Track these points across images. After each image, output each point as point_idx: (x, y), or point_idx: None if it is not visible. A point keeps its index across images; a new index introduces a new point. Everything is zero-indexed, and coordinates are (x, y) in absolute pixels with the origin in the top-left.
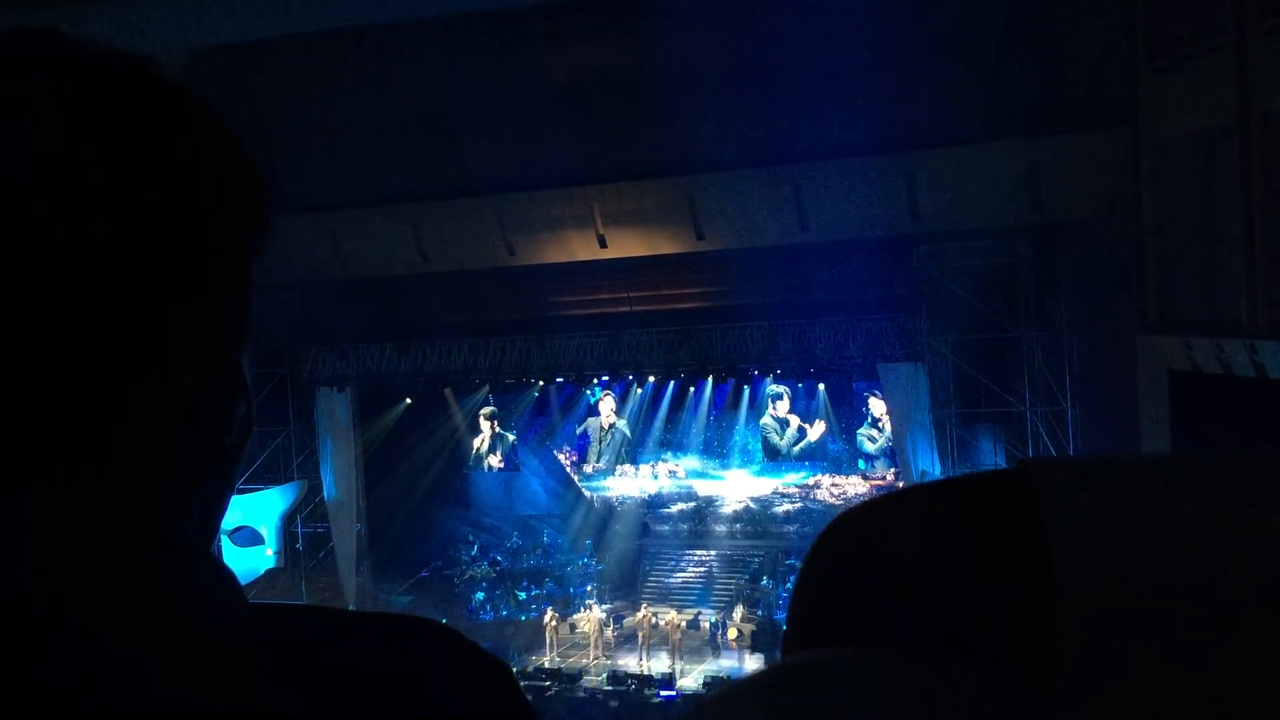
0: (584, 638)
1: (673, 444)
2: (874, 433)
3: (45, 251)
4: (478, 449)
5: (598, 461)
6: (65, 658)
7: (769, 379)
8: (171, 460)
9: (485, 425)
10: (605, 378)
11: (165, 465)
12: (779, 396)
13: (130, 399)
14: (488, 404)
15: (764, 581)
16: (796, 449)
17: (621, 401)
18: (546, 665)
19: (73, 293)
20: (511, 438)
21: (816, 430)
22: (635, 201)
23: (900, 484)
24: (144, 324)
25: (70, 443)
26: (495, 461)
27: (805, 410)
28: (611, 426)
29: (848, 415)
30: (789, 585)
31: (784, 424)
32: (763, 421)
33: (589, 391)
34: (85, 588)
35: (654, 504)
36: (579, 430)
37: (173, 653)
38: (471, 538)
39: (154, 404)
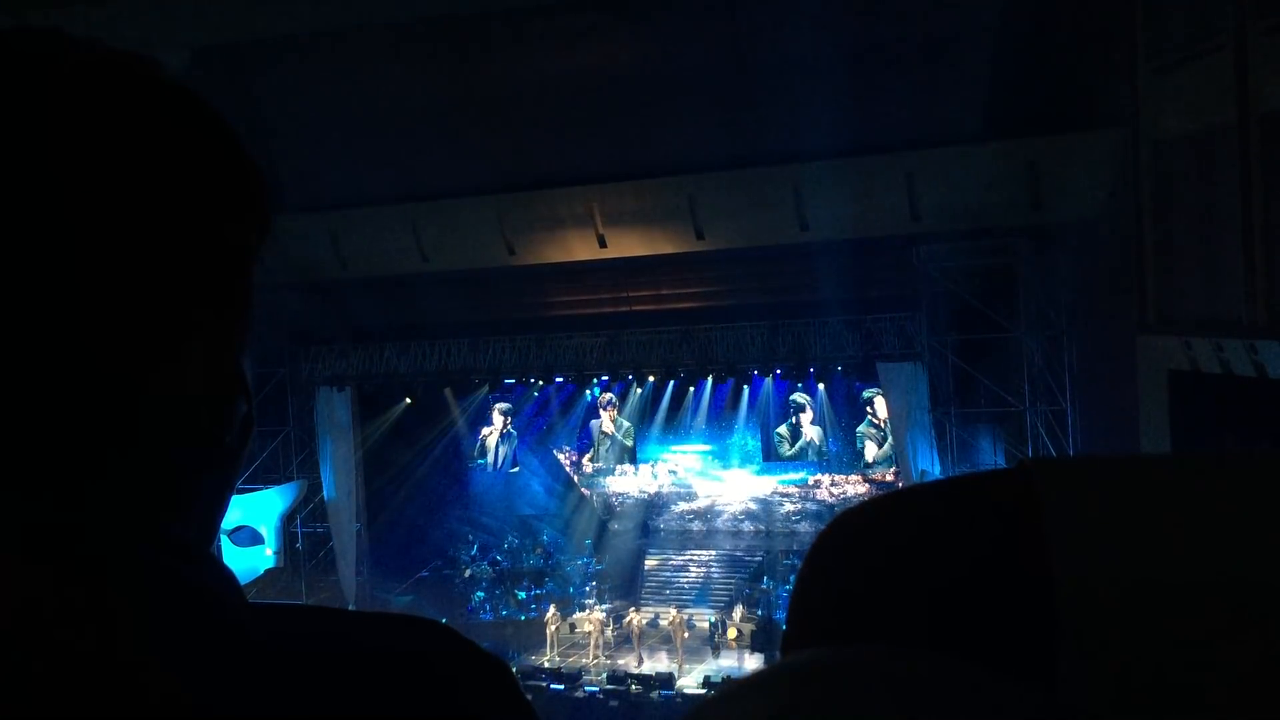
0: (584, 637)
1: (672, 444)
2: (873, 432)
3: (45, 252)
4: (484, 439)
5: (598, 461)
6: (66, 656)
7: (773, 379)
8: (172, 460)
9: (498, 419)
10: (605, 377)
11: (166, 465)
12: (803, 408)
13: (131, 399)
14: (503, 400)
15: (764, 581)
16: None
17: (622, 401)
18: (546, 665)
19: (73, 292)
20: (515, 435)
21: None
22: (635, 201)
23: (900, 484)
24: (145, 324)
25: (72, 442)
26: (501, 454)
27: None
28: (614, 431)
29: (848, 415)
30: (789, 585)
31: (797, 434)
32: (777, 430)
33: (589, 391)
34: (85, 587)
35: (654, 504)
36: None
37: (173, 652)
38: (471, 537)
39: (155, 404)
